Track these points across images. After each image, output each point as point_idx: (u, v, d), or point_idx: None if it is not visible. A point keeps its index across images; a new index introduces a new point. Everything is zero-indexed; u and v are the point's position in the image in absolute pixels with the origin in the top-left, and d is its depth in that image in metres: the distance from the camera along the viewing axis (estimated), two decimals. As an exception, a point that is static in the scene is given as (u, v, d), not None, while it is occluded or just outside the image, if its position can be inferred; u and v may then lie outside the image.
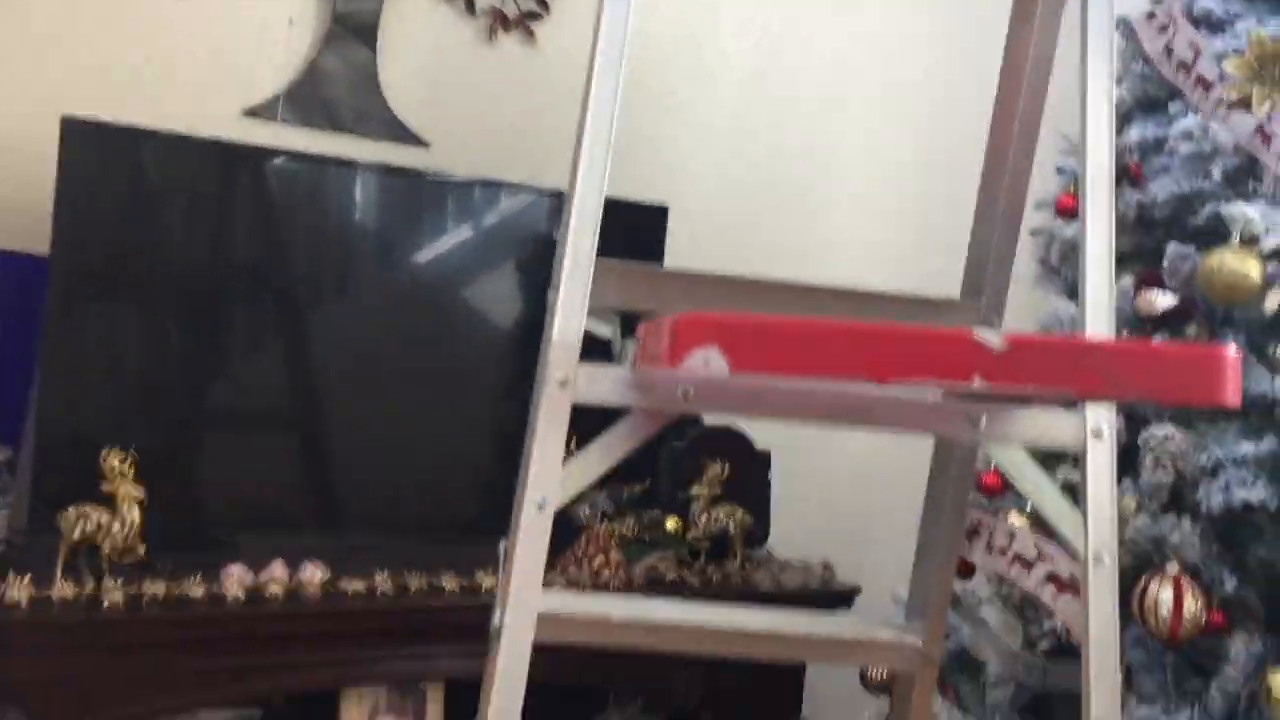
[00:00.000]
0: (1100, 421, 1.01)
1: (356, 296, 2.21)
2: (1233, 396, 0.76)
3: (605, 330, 1.05)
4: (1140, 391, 0.77)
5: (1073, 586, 1.74)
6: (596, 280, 1.03)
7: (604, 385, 0.98)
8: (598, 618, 1.27)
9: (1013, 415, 1.01)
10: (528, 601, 0.98)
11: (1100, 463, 1.00)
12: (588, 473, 0.99)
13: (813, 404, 0.98)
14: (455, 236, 2.27)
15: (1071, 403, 1.01)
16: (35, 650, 1.67)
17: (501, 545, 1.21)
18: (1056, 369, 0.74)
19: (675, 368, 0.75)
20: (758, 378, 0.93)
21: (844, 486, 3.00)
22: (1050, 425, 1.03)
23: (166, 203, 2.02)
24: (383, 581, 1.95)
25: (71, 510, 1.74)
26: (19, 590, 1.67)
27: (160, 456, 1.92)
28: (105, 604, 1.71)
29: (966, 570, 2.00)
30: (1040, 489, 1.01)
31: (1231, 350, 0.77)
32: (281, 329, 2.14)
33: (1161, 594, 1.68)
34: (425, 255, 2.24)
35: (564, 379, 0.97)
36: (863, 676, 2.14)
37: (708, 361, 0.72)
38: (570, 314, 0.99)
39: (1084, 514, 1.00)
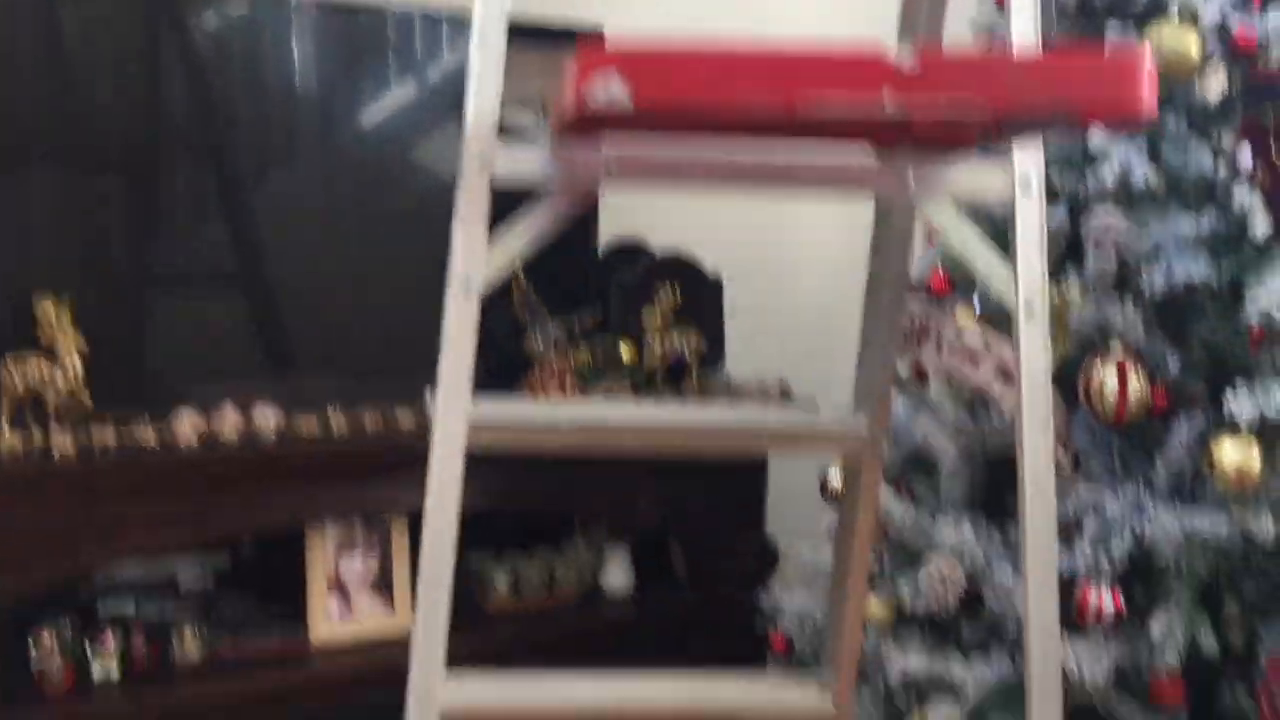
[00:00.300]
0: (1028, 172, 1.00)
1: (297, 141, 2.15)
2: (1148, 107, 0.75)
3: (524, 119, 1.02)
4: (1053, 104, 0.76)
5: (1020, 376, 1.76)
6: (514, 70, 1.00)
7: (523, 164, 0.96)
8: (544, 423, 1.27)
9: (942, 170, 0.99)
10: (457, 396, 0.97)
11: (1029, 214, 0.99)
12: (512, 250, 0.97)
13: (737, 169, 0.96)
14: (396, 74, 2.21)
15: (997, 149, 1.00)
16: (-14, 500, 1.67)
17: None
18: (967, 82, 0.72)
19: (579, 104, 0.72)
20: (669, 127, 0.90)
21: (799, 311, 3.00)
22: (978, 178, 1.02)
23: (91, 55, 1.94)
24: (337, 419, 1.94)
25: (10, 360, 1.72)
26: (-35, 443, 1.65)
27: (101, 308, 1.89)
28: (56, 455, 1.70)
29: (920, 376, 2.02)
30: (969, 242, 1.00)
31: (1146, 57, 0.75)
32: (222, 174, 2.09)
33: (1107, 378, 1.70)
34: (365, 96, 2.18)
35: (483, 160, 0.94)
36: (822, 488, 2.17)
37: (608, 89, 0.69)
38: (485, 93, 0.96)
39: (1014, 266, 0.99)
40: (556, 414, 1.29)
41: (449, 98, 2.23)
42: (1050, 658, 1.07)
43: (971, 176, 1.01)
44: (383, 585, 2.09)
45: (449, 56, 2.25)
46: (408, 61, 2.22)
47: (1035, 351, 1.00)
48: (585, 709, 1.33)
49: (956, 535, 1.82)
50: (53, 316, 1.73)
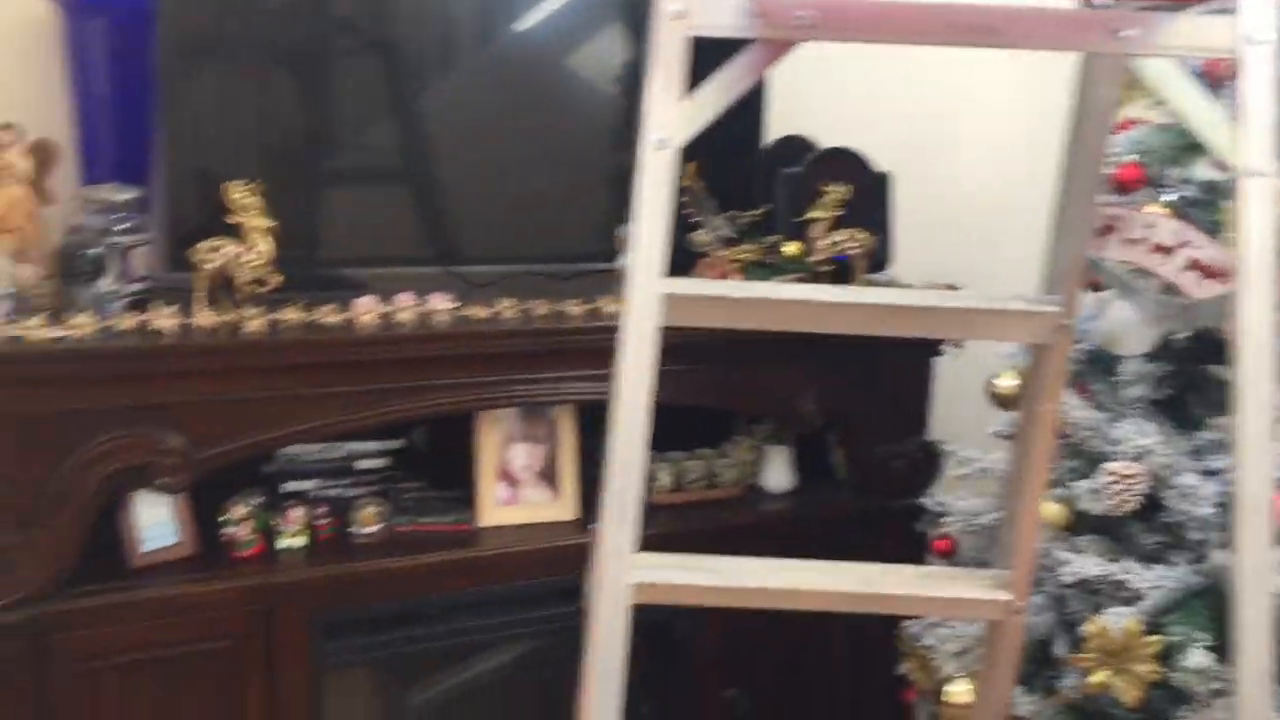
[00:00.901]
0: (1256, 25, 0.93)
1: (466, 34, 2.17)
2: None
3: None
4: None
5: (1218, 271, 1.67)
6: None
7: (721, 14, 0.94)
8: (722, 295, 1.26)
9: (1157, 22, 0.93)
10: (652, 255, 0.97)
11: (1257, 69, 0.93)
12: (707, 108, 0.95)
13: (938, 24, 0.93)
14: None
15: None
16: (182, 374, 1.75)
17: (621, 230, 1.20)
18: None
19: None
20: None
21: (971, 205, 2.91)
22: (1199, 31, 0.95)
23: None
24: (508, 308, 1.97)
25: (204, 243, 1.79)
26: (164, 320, 1.73)
27: (283, 197, 1.96)
28: (245, 330, 1.77)
29: (1096, 288, 1.93)
30: (1187, 97, 0.94)
31: None
32: (393, 75, 2.12)
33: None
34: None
35: (680, 9, 0.93)
36: (990, 393, 2.12)
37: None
38: (679, -55, 0.94)
39: (1238, 124, 0.93)
40: (737, 290, 1.28)
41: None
42: (1262, 576, 1.01)
43: (1191, 28, 0.95)
44: (548, 473, 2.14)
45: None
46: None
47: (1260, 215, 0.94)
48: (762, 591, 1.33)
49: (1138, 437, 1.75)
50: (243, 200, 1.79)
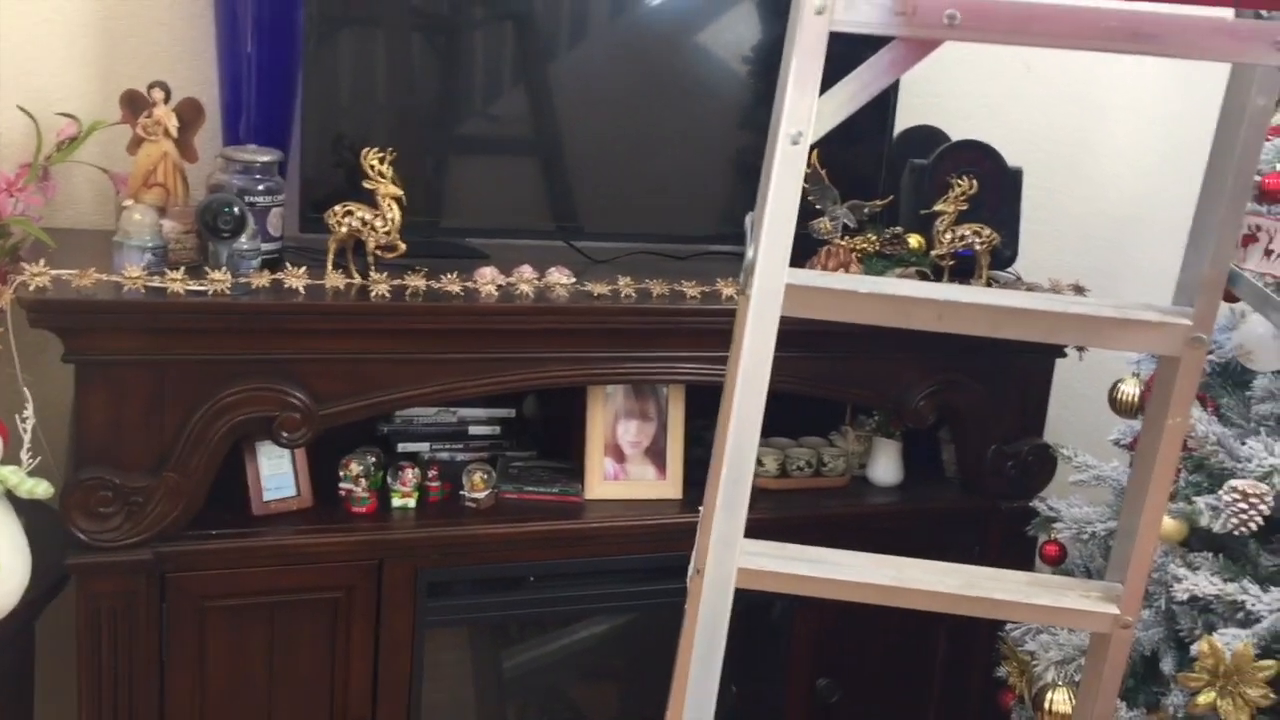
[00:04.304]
0: None
1: (605, 11, 2.18)
2: None
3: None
4: None
5: (1362, 289, 1.60)
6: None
7: (865, 11, 0.93)
8: (844, 290, 1.25)
9: (1322, 35, 0.90)
10: (779, 249, 0.97)
11: None
12: (844, 106, 0.95)
13: (1093, 29, 0.90)
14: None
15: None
16: (310, 332, 1.80)
17: (749, 219, 1.20)
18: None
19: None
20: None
21: (1102, 207, 2.84)
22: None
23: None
24: (626, 286, 1.99)
25: (338, 207, 1.84)
26: (296, 279, 1.79)
27: (414, 164, 2.00)
28: (372, 294, 1.82)
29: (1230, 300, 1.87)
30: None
31: None
32: (525, 48, 2.14)
33: None
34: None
35: (821, 4, 0.92)
36: (1112, 400, 2.07)
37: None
38: (825, -63, 0.93)
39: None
40: (856, 284, 1.27)
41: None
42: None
43: (1358, 41, 0.91)
44: (655, 451, 2.16)
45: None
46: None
47: None
48: (863, 585, 1.33)
49: (1267, 456, 1.70)
50: (377, 166, 1.83)
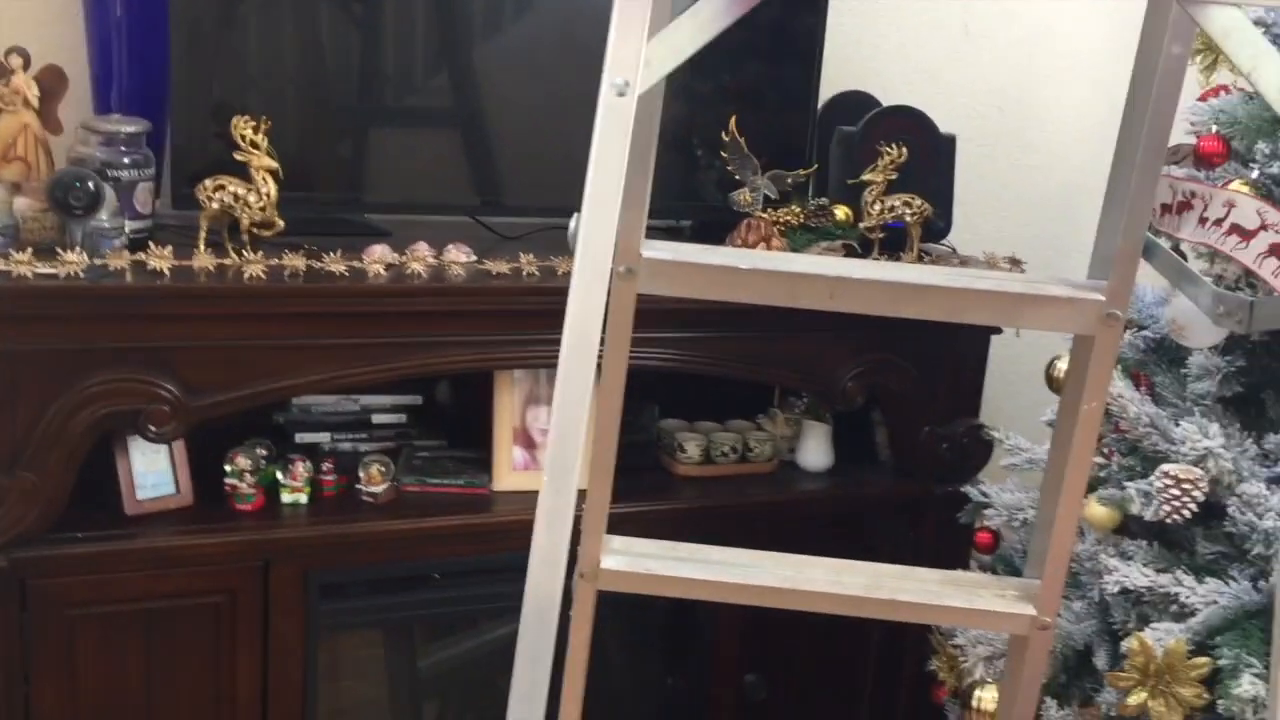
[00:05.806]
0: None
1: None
2: None
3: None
4: None
5: (1301, 259, 1.50)
6: None
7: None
8: (722, 265, 1.13)
9: (1227, -34, 0.78)
10: (606, 215, 0.84)
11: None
12: (677, 50, 0.83)
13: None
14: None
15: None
16: (177, 317, 1.67)
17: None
18: None
19: None
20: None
21: (1046, 175, 2.72)
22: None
23: None
24: (529, 264, 1.86)
25: (208, 181, 1.71)
26: (159, 260, 1.66)
27: (296, 136, 1.87)
28: (246, 275, 1.69)
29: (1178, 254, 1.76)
30: (1259, 53, 0.79)
31: None
32: (438, 9, 2.01)
33: None
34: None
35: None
36: (1049, 379, 1.96)
37: None
38: None
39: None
40: (738, 258, 1.15)
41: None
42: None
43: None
44: (569, 439, 2.03)
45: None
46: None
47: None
48: (748, 586, 1.23)
49: (1201, 438, 1.59)
50: (250, 138, 1.70)
